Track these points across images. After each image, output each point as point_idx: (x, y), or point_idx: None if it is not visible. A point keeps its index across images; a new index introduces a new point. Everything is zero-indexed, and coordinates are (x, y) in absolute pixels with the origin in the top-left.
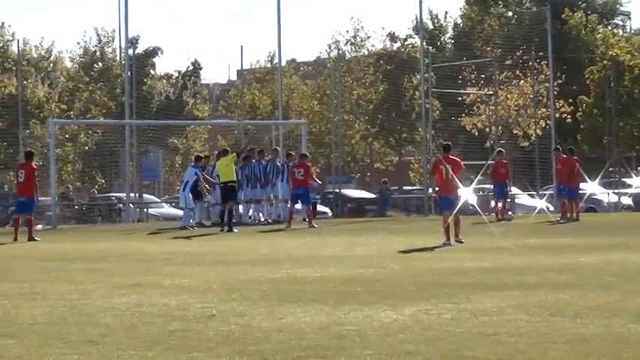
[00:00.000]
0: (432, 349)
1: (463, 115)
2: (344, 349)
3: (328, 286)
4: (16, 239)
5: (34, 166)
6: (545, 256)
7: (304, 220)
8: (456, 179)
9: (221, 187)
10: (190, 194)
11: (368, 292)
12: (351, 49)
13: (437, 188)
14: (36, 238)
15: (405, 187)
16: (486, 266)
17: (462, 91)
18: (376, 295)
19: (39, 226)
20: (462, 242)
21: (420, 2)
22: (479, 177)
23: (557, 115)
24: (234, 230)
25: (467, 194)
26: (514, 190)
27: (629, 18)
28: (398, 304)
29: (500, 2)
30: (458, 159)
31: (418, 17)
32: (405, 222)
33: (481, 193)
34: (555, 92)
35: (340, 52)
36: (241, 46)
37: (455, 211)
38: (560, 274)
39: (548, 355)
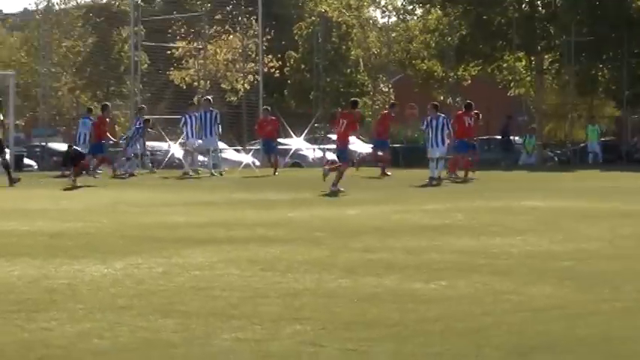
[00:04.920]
0: (145, 303)
1: (172, 68)
2: (56, 303)
3: (37, 240)
4: None
5: None
6: (254, 210)
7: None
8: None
9: None
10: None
11: (78, 246)
12: (60, 1)
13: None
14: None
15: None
16: (196, 221)
17: (171, 44)
18: (86, 249)
19: None
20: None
21: None
22: None
23: (266, 70)
24: None
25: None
26: (220, 144)
27: None
28: (108, 258)
29: None
30: (352, 114)
31: None
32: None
33: None
34: (264, 47)
35: (49, 4)
36: None
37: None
38: (269, 228)
39: (260, 309)
